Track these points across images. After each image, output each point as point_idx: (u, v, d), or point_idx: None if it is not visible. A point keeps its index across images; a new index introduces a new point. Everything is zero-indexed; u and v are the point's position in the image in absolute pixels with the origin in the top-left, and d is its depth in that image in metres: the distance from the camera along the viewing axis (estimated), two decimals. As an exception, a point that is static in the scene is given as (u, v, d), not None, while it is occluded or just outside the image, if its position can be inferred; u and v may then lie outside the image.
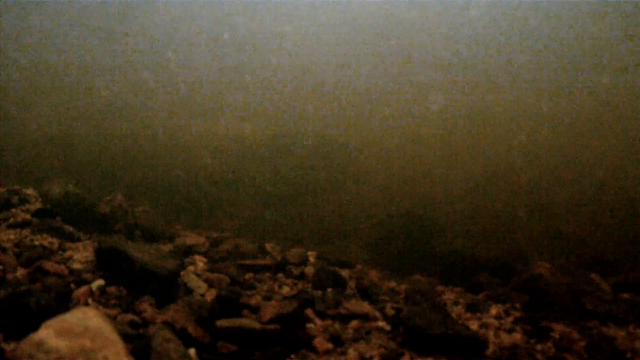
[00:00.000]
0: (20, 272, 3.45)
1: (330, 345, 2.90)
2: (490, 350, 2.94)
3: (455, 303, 3.84)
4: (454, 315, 3.55)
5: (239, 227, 6.34)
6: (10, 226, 4.42)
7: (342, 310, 3.41)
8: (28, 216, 4.70)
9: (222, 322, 2.88)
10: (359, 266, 4.85)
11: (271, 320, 3.05)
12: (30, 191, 5.51)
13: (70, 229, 4.54)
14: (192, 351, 2.48)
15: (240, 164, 8.92)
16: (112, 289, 3.28)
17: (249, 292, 3.69)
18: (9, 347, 2.40)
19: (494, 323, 3.36)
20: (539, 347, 3.00)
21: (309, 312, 3.35)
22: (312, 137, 9.75)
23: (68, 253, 3.90)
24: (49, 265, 3.46)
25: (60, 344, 1.69)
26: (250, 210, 7.26)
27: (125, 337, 2.36)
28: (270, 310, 3.15)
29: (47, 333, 1.72)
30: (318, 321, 3.27)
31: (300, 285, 4.04)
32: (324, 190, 8.19)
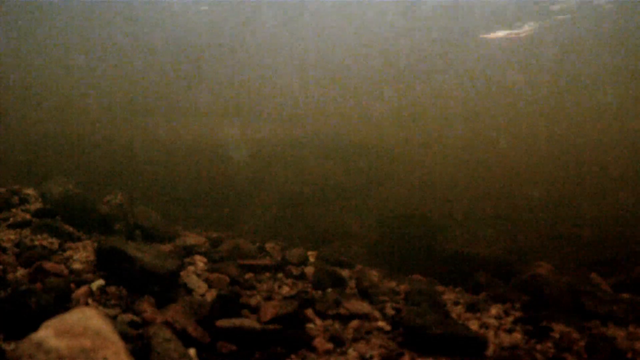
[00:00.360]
0: (20, 272, 3.45)
1: (330, 345, 2.90)
2: (490, 350, 2.94)
3: (455, 303, 3.83)
4: (454, 315, 3.55)
5: (242, 227, 6.34)
6: (10, 226, 4.42)
7: (342, 310, 3.40)
8: (28, 216, 4.70)
9: (222, 322, 2.88)
10: (359, 266, 4.85)
11: (271, 320, 3.05)
12: (30, 191, 5.51)
13: (70, 229, 4.54)
14: (192, 351, 2.48)
15: (255, 166, 8.94)
16: (112, 289, 3.28)
17: (249, 292, 3.69)
18: (9, 347, 2.40)
19: (494, 323, 3.36)
20: (539, 347, 3.00)
21: (309, 312, 3.35)
22: (328, 139, 9.75)
23: (68, 253, 3.90)
24: (49, 265, 3.45)
25: (60, 344, 1.69)
26: (259, 212, 7.28)
27: (125, 337, 2.37)
28: (270, 310, 3.15)
29: (47, 333, 1.72)
30: (318, 321, 3.27)
31: (300, 285, 4.04)
32: (329, 193, 8.19)
